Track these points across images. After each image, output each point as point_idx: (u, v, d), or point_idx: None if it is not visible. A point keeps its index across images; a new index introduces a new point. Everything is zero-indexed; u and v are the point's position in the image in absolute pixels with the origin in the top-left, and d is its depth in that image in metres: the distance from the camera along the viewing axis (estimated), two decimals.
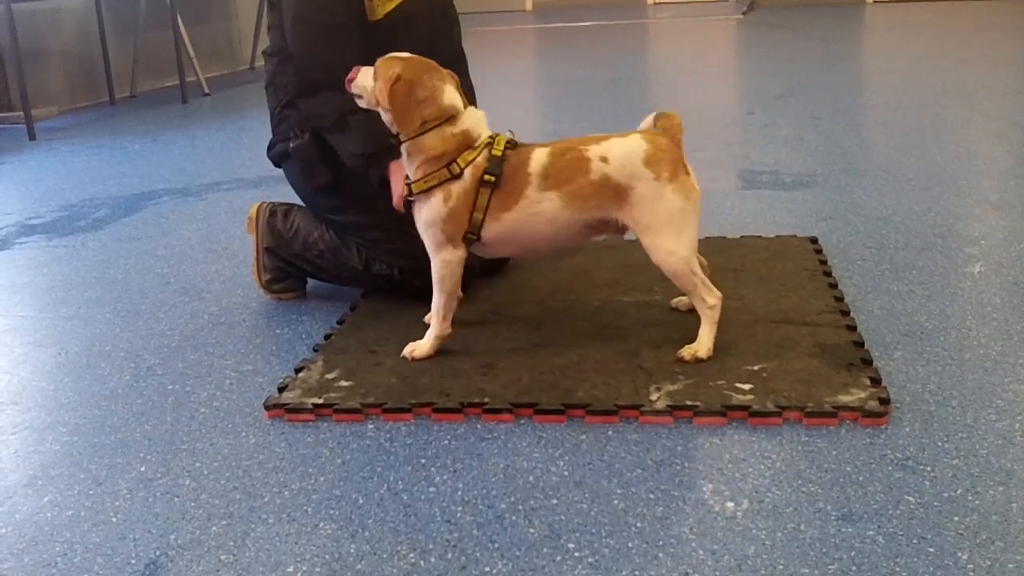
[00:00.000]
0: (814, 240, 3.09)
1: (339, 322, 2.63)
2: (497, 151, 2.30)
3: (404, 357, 2.38)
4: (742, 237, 3.16)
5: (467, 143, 2.31)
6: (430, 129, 2.29)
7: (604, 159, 2.26)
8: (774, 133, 4.81)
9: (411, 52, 2.38)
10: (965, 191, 3.61)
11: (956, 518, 1.68)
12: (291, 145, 2.74)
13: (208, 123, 6.21)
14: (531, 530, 1.72)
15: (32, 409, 2.32)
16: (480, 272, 2.82)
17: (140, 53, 7.65)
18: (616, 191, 2.25)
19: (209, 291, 3.03)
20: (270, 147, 2.85)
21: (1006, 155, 4.13)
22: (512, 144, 2.34)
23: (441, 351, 2.39)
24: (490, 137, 2.34)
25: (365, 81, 2.33)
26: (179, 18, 7.28)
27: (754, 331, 2.42)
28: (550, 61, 8.56)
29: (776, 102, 5.65)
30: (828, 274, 2.78)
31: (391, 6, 2.64)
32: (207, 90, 7.45)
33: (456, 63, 2.67)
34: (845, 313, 2.50)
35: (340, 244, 2.75)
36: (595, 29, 10.39)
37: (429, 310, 2.42)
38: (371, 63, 2.36)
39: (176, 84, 7.28)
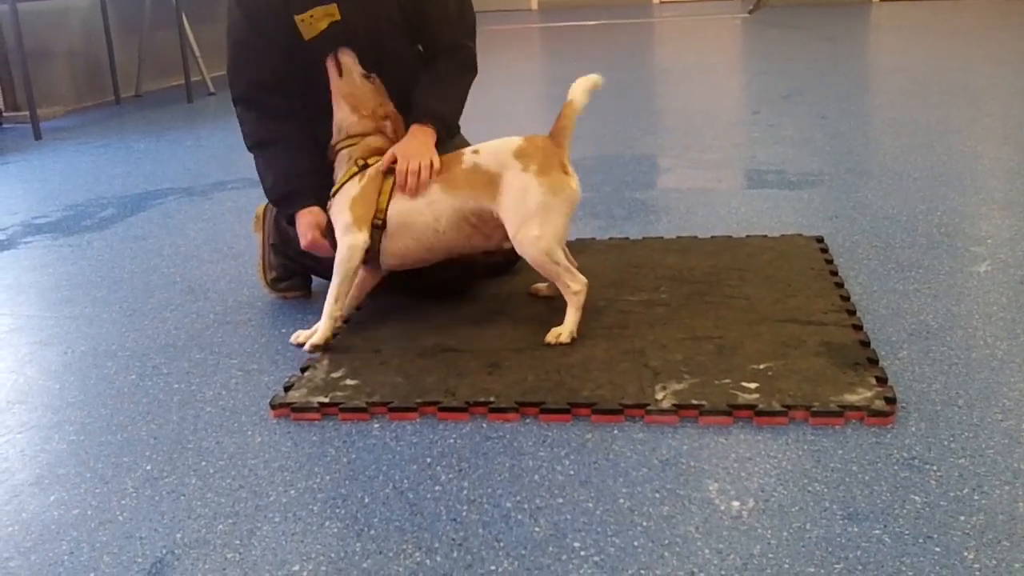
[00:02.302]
0: (820, 239, 3.08)
1: (344, 321, 2.63)
2: None
3: (300, 345, 2.51)
4: (748, 236, 3.16)
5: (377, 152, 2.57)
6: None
7: (476, 151, 2.49)
8: (780, 132, 4.80)
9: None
10: (971, 190, 3.60)
11: (962, 517, 1.68)
12: None
13: (213, 122, 6.22)
14: (537, 529, 1.72)
15: (38, 408, 2.32)
16: (486, 273, 2.83)
17: (145, 53, 7.66)
18: (487, 179, 2.44)
19: (215, 290, 3.03)
20: None
21: (1012, 154, 4.12)
22: None
23: (447, 350, 2.39)
24: None
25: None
26: (184, 17, 7.28)
27: (760, 330, 2.41)
28: (555, 60, 8.56)
29: (782, 101, 5.65)
30: (834, 273, 2.78)
31: (328, 22, 2.62)
32: (212, 89, 7.46)
33: (407, 71, 2.74)
34: (851, 312, 2.50)
35: None
36: (601, 28, 10.39)
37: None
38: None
39: (181, 83, 7.30)
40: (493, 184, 2.42)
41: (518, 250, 2.43)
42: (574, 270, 2.43)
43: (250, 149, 2.74)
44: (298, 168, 2.64)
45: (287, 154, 2.66)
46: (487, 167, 2.44)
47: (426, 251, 2.53)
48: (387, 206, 2.48)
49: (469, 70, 2.78)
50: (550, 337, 2.40)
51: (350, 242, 2.47)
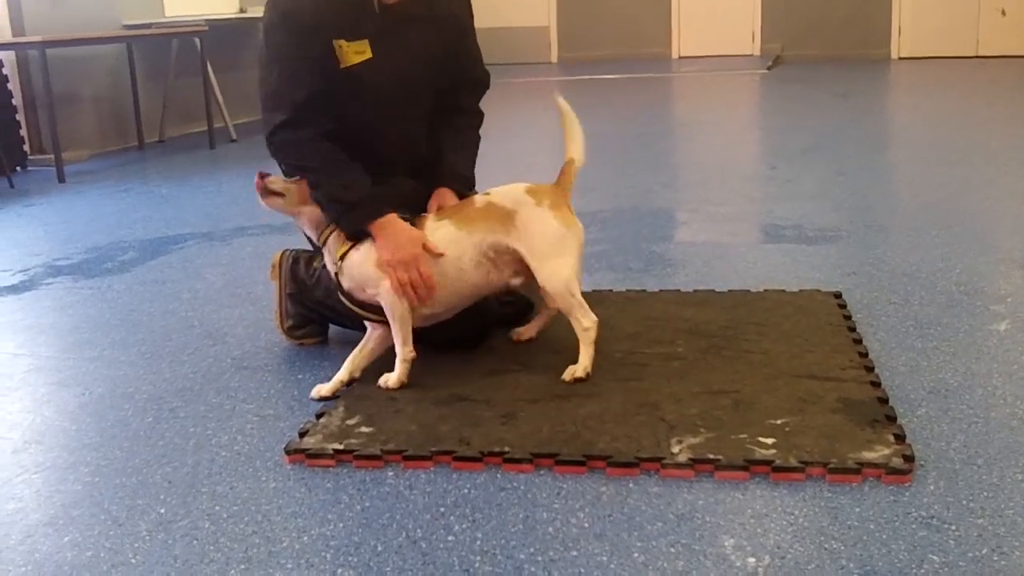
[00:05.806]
0: (838, 295, 3.08)
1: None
2: None
3: (381, 386, 2.50)
4: (765, 291, 3.16)
5: None
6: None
7: (487, 194, 2.59)
8: (798, 188, 4.81)
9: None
10: (990, 248, 3.60)
11: None
12: None
13: (235, 169, 6.27)
14: None
15: (54, 449, 2.33)
16: (502, 323, 2.83)
17: (170, 99, 7.75)
18: (502, 213, 2.53)
19: (232, 335, 3.04)
20: None
21: None
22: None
23: (462, 399, 2.39)
24: None
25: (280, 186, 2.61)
26: (209, 66, 7.37)
27: (777, 385, 2.41)
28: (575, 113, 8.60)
29: (800, 156, 5.67)
30: (852, 329, 2.77)
31: (359, 59, 2.61)
32: (234, 136, 7.53)
33: (423, 114, 2.80)
34: (869, 369, 2.49)
35: None
36: (620, 82, 10.46)
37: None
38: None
39: (204, 130, 7.36)
40: (509, 219, 2.52)
41: (539, 281, 2.50)
42: (587, 307, 2.49)
43: (300, 171, 2.61)
44: (363, 178, 2.58)
45: (348, 166, 2.58)
46: (501, 204, 2.54)
47: (455, 296, 2.56)
48: None
49: (478, 129, 2.94)
50: (566, 375, 2.47)
51: (389, 285, 2.47)
